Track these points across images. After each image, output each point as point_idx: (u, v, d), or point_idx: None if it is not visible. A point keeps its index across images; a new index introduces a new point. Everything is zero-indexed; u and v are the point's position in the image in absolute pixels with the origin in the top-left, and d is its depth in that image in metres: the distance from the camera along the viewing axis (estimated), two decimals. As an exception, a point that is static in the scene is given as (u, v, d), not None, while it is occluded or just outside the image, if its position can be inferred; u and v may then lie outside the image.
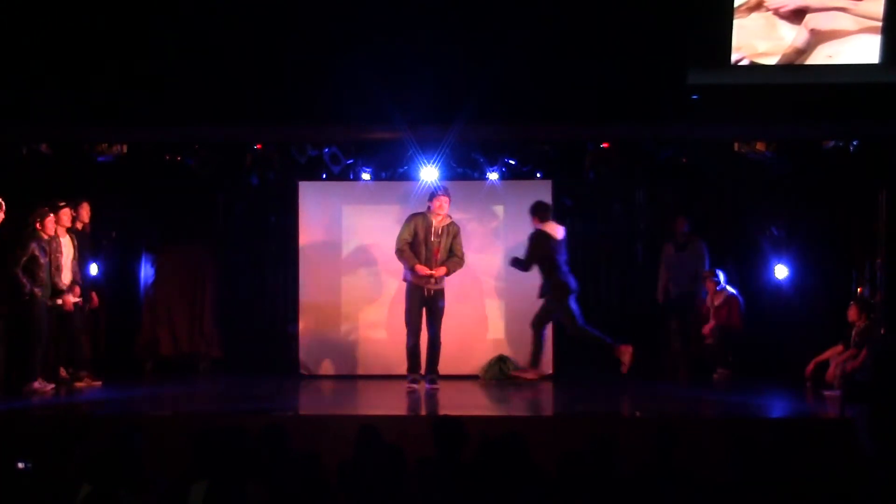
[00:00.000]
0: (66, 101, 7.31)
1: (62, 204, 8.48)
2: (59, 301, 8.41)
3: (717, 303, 9.40)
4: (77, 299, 8.59)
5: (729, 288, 9.41)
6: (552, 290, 8.65)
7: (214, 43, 7.18)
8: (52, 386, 8.37)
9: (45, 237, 8.32)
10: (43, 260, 8.24)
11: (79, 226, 8.91)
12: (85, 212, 8.98)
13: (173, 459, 5.32)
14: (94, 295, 9.04)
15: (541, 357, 8.88)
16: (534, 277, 9.54)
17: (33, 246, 8.18)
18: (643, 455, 4.99)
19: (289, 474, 4.36)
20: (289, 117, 7.53)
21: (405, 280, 8.47)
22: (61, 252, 8.46)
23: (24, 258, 8.14)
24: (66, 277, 8.51)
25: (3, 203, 8.12)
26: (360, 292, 9.75)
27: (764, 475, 4.54)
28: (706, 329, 9.44)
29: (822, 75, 7.01)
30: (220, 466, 4.32)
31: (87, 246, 8.99)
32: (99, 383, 8.72)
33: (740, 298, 9.39)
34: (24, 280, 8.11)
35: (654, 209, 10.19)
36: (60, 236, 8.48)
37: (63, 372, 8.71)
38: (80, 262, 8.79)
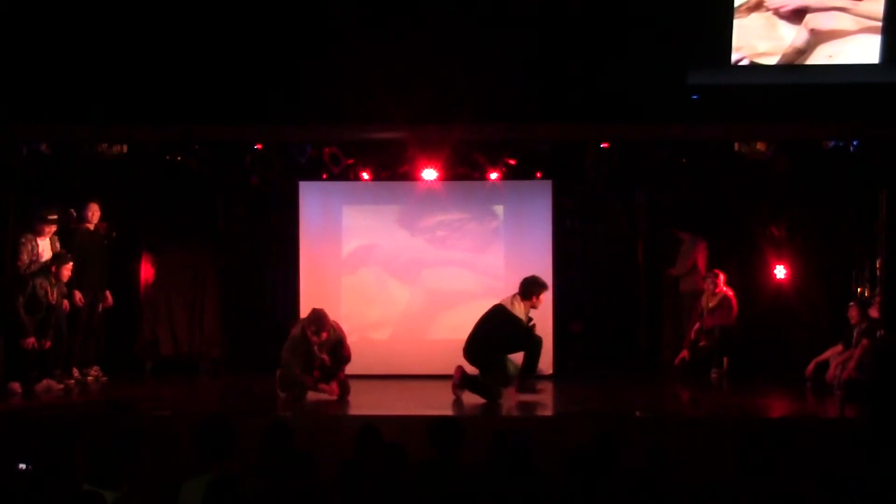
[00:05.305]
0: (67, 101, 7.31)
1: (52, 217, 8.44)
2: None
3: (711, 304, 9.36)
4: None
5: (725, 289, 9.39)
6: None
7: (215, 43, 7.17)
8: (62, 387, 8.38)
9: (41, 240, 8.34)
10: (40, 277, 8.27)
11: (90, 227, 8.92)
12: (92, 213, 8.96)
13: (173, 459, 5.31)
14: (108, 294, 9.07)
15: None
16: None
17: (33, 284, 8.18)
18: (643, 454, 4.99)
19: (289, 473, 4.35)
20: (289, 117, 7.53)
21: None
22: (39, 255, 8.41)
23: (24, 298, 8.15)
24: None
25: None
26: (360, 292, 9.75)
27: (763, 475, 4.54)
28: (693, 331, 9.41)
29: (822, 75, 7.00)
30: (218, 465, 4.31)
31: (100, 245, 9.02)
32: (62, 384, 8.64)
33: (733, 300, 9.35)
34: (24, 319, 8.09)
35: (654, 209, 10.19)
36: (40, 240, 8.42)
37: (76, 372, 8.74)
38: (94, 262, 8.83)
